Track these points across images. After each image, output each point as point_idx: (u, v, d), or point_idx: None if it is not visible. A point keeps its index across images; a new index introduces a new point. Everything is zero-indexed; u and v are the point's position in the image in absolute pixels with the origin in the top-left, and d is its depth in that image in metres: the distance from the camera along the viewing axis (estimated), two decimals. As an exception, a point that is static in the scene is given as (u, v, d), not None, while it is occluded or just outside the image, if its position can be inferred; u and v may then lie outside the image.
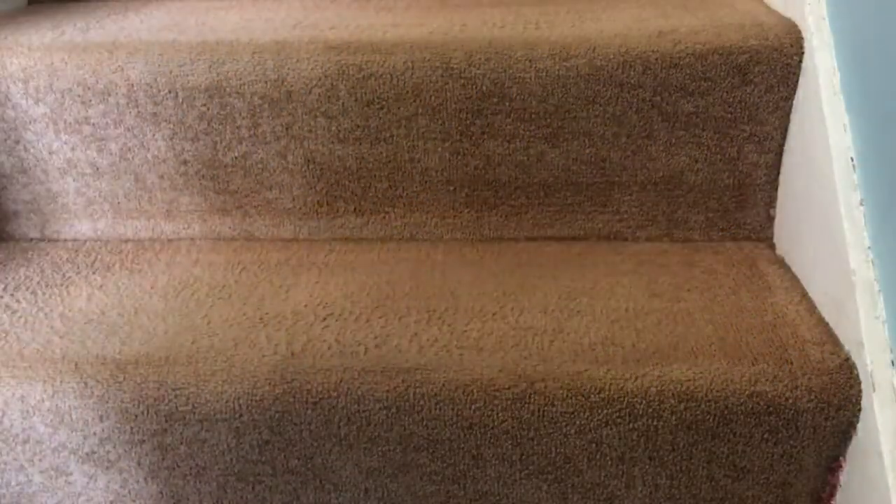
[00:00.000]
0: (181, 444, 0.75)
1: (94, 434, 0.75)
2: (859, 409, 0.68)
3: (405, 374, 0.72)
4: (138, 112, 0.92)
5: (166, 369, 0.74)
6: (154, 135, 0.93)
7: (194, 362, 0.74)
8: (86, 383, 0.74)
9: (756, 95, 0.86)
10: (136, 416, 0.74)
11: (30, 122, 0.93)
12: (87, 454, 0.76)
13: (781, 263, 0.88)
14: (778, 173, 0.90)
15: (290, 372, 0.73)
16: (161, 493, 0.77)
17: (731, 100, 0.87)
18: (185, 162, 0.94)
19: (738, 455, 0.71)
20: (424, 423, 0.72)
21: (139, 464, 0.76)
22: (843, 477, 0.71)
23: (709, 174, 0.91)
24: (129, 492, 0.78)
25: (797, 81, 0.84)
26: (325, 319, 0.80)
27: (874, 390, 0.66)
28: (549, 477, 0.74)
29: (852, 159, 0.74)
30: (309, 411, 0.72)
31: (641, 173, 0.91)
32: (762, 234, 0.93)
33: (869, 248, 0.71)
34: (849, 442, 0.70)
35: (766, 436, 0.70)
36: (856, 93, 0.75)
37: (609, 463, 0.73)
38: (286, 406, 0.72)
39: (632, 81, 0.87)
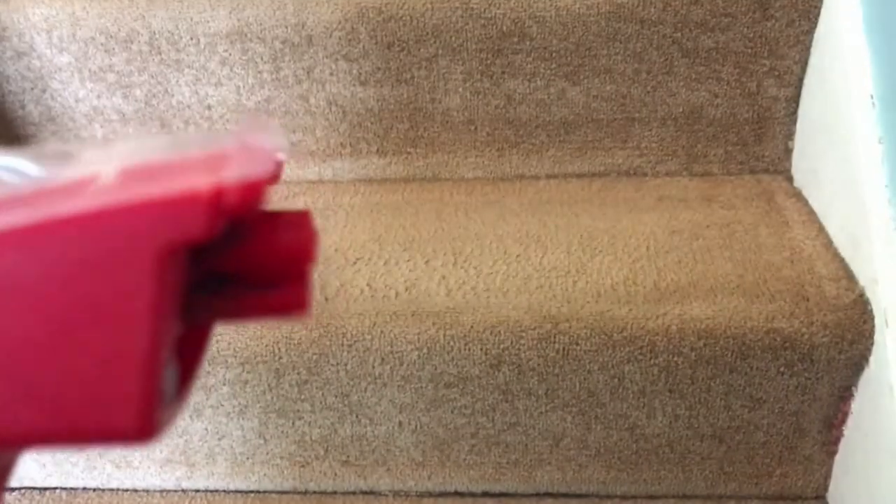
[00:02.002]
0: (224, 384, 0.79)
1: (141, 377, 0.79)
2: (872, 343, 0.71)
3: (435, 317, 0.75)
4: (161, 59, 0.93)
5: (206, 315, 0.77)
6: (178, 81, 0.94)
7: (233, 308, 0.78)
8: (131, 330, 0.77)
9: (777, 30, 0.86)
10: (181, 359, 0.78)
11: (55, 71, 0.94)
12: (135, 395, 0.81)
13: (799, 196, 0.89)
14: (797, 107, 0.90)
15: (325, 316, 0.76)
16: (206, 429, 0.82)
17: (751, 34, 0.87)
18: (209, 107, 0.96)
19: (754, 387, 0.75)
20: (455, 361, 0.76)
21: (185, 403, 0.81)
22: (854, 405, 0.75)
23: (728, 108, 0.92)
24: (176, 429, 0.82)
25: (818, 16, 0.84)
26: (355, 263, 0.82)
27: (887, 326, 0.69)
28: (573, 409, 0.78)
29: (872, 96, 0.75)
30: (344, 353, 0.76)
31: (661, 109, 0.92)
32: (780, 166, 0.94)
33: (886, 185, 0.72)
34: (861, 373, 0.73)
35: (781, 369, 0.73)
36: (878, 29, 0.75)
37: (631, 396, 0.76)
38: (323, 348, 0.76)
39: (652, 18, 0.87)
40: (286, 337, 0.76)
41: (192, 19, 0.90)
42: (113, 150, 0.35)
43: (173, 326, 0.29)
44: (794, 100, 0.90)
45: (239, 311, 0.33)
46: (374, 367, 0.77)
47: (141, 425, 0.28)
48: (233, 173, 0.28)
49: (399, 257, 0.83)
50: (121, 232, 0.27)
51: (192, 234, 0.27)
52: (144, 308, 0.27)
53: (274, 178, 0.32)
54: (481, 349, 0.75)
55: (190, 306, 0.31)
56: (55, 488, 0.87)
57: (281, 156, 0.33)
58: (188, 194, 0.27)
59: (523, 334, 0.74)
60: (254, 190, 0.28)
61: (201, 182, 0.27)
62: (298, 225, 0.33)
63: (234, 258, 0.31)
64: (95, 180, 0.29)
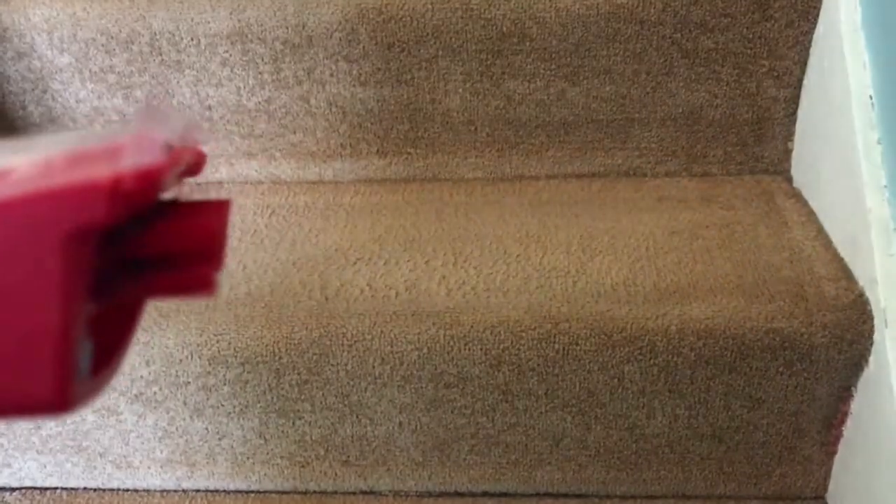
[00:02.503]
0: (224, 384, 0.79)
1: (142, 377, 0.79)
2: (871, 344, 0.71)
3: (435, 318, 0.75)
4: (162, 60, 0.93)
5: (207, 315, 0.78)
6: (178, 82, 0.94)
7: (233, 308, 0.78)
8: (132, 330, 0.77)
9: (776, 30, 0.86)
10: (181, 360, 0.78)
11: (56, 72, 0.95)
12: (135, 395, 0.81)
13: (798, 197, 0.89)
14: (797, 107, 0.91)
15: (325, 316, 0.76)
16: (206, 429, 0.82)
17: (750, 35, 0.87)
18: (209, 108, 0.96)
19: (754, 387, 0.75)
20: (455, 361, 0.76)
21: (185, 403, 0.81)
22: (853, 405, 0.75)
23: (728, 109, 0.92)
24: (177, 429, 0.83)
25: (818, 16, 0.84)
26: (355, 263, 0.83)
27: (886, 326, 0.69)
28: (573, 409, 0.78)
29: (871, 97, 0.75)
30: (345, 353, 0.76)
31: (661, 109, 0.93)
32: (780, 167, 0.94)
33: (885, 186, 0.73)
34: (860, 373, 0.74)
35: (781, 369, 0.73)
36: (877, 29, 0.75)
37: (630, 396, 0.76)
38: (323, 349, 0.76)
39: (652, 18, 0.87)
40: (286, 337, 0.76)
41: (192, 20, 0.90)
42: (31, 145, 0.37)
43: (85, 306, 0.32)
44: (794, 100, 0.90)
45: (150, 290, 0.36)
46: (374, 367, 0.77)
47: (56, 398, 0.31)
48: (128, 162, 0.31)
49: (399, 257, 0.83)
50: (30, 220, 0.30)
51: (94, 219, 0.30)
52: (55, 289, 0.30)
53: (188, 164, 0.36)
54: (481, 349, 0.75)
55: (108, 287, 0.34)
56: (55, 488, 0.87)
57: (180, 143, 0.36)
58: (89, 183, 0.30)
59: (523, 334, 0.74)
60: (149, 177, 0.31)
61: (101, 172, 0.30)
62: (210, 211, 0.36)
63: (148, 241, 0.34)
64: (10, 173, 0.32)
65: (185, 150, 0.36)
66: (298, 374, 0.78)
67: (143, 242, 0.34)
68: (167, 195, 0.37)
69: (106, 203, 0.30)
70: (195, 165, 0.38)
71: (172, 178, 0.34)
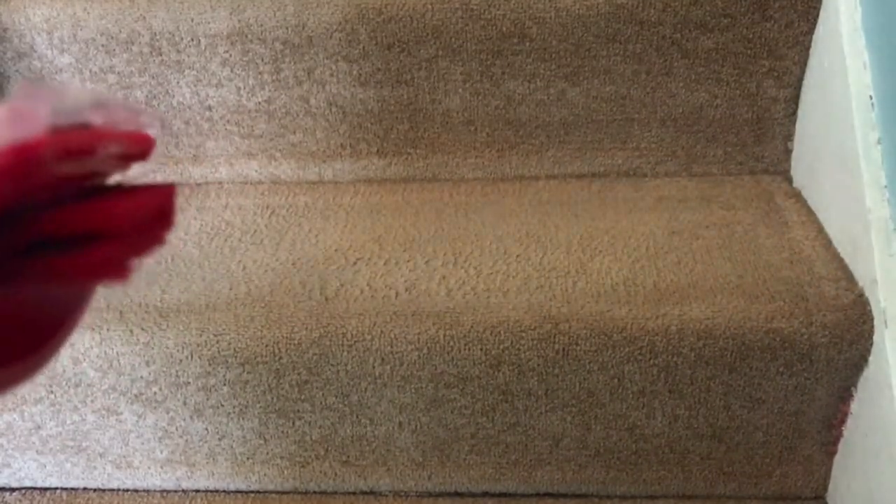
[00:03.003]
0: (224, 385, 0.79)
1: (142, 377, 0.79)
2: (871, 344, 0.71)
3: (435, 318, 0.75)
4: (162, 60, 0.93)
5: (207, 315, 0.78)
6: (178, 82, 0.94)
7: (233, 308, 0.78)
8: (131, 331, 0.77)
9: (776, 31, 0.86)
10: (181, 360, 0.78)
11: (56, 73, 0.95)
12: (135, 395, 0.81)
13: (798, 197, 0.89)
14: (796, 107, 0.91)
15: (325, 317, 0.76)
16: (206, 429, 0.82)
17: (750, 35, 0.87)
18: (209, 108, 0.96)
19: (754, 387, 0.75)
20: (455, 362, 0.76)
21: (185, 403, 0.81)
22: (853, 405, 0.75)
23: (728, 109, 0.92)
24: (177, 429, 0.83)
25: (818, 17, 0.84)
26: (355, 264, 0.83)
27: (886, 326, 0.69)
28: (573, 409, 0.78)
29: (871, 97, 0.75)
30: (345, 353, 0.76)
31: (661, 110, 0.93)
32: (780, 167, 0.94)
33: (885, 186, 0.73)
34: (860, 373, 0.74)
35: (781, 369, 0.73)
36: (877, 30, 0.75)
37: (630, 396, 0.76)
38: (323, 349, 0.76)
39: (652, 19, 0.87)
40: (286, 337, 0.76)
41: (192, 20, 0.90)
42: None
43: None
44: (794, 100, 0.90)
45: (54, 273, 0.34)
46: (374, 367, 0.77)
47: None
48: (2, 138, 0.30)
49: (399, 257, 0.83)
50: None
51: None
52: None
53: (128, 148, 0.34)
54: (481, 349, 0.75)
55: (10, 272, 0.32)
56: (55, 488, 0.87)
57: (103, 122, 0.34)
58: None
59: (523, 334, 0.74)
60: (24, 153, 0.30)
61: None
62: (138, 195, 0.34)
63: (49, 222, 0.32)
64: None
65: (102, 131, 0.33)
66: (298, 374, 0.78)
67: (44, 224, 0.32)
68: (110, 180, 0.34)
69: None
70: (138, 151, 0.35)
71: (104, 158, 0.32)
